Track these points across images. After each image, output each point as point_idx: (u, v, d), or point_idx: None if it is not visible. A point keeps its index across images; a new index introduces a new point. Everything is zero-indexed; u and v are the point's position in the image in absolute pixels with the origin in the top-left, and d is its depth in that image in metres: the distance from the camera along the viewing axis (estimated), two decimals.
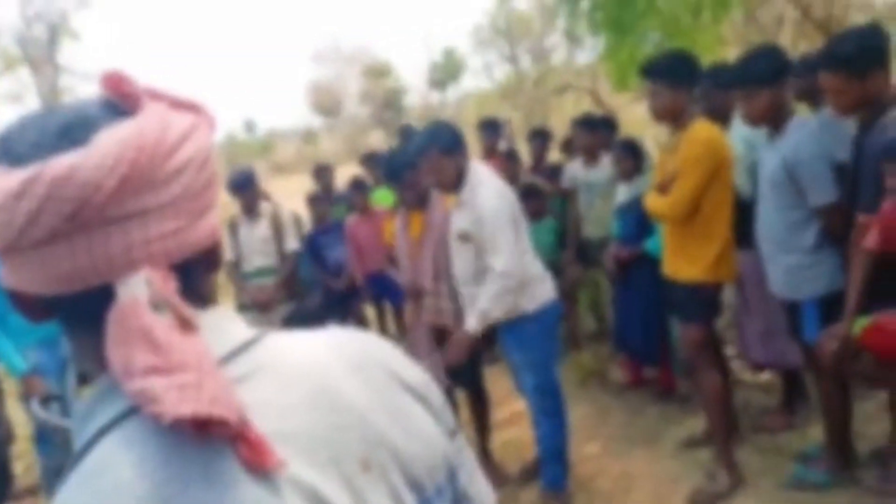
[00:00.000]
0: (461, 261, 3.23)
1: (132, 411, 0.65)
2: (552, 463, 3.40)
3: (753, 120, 3.01)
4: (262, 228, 4.78)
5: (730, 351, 4.17)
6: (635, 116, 12.64)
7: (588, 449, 3.92)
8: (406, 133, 6.57)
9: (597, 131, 4.93)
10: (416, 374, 0.83)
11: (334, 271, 5.35)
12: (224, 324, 0.73)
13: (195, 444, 0.63)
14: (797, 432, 3.58)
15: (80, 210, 0.62)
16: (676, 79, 3.06)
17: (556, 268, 4.13)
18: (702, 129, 3.06)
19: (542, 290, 3.25)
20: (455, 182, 3.20)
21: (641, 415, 4.22)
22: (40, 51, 18.00)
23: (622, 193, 4.26)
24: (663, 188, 3.17)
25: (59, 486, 0.66)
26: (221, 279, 5.28)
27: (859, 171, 2.77)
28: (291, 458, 0.66)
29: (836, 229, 2.86)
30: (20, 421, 4.42)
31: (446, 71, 40.04)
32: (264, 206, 4.85)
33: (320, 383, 0.73)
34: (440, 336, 3.60)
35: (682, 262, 3.18)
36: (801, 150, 2.84)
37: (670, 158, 3.18)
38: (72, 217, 0.62)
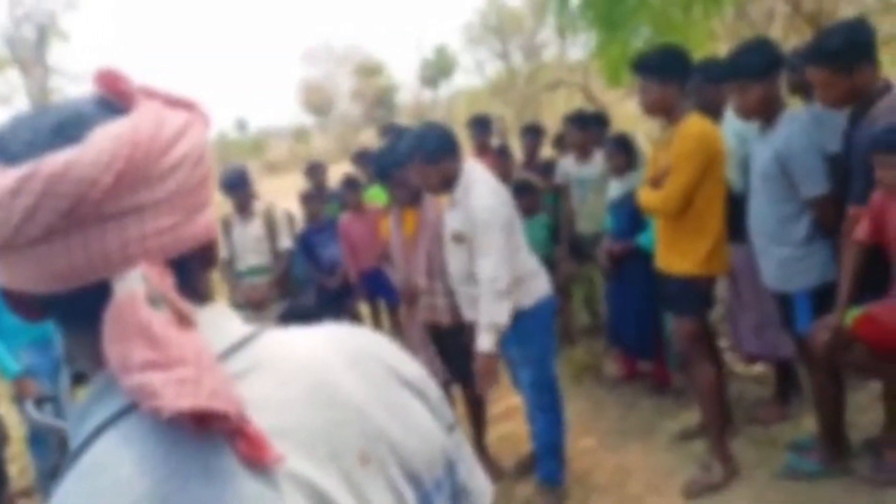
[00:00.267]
0: (456, 261, 3.22)
1: (129, 409, 0.65)
2: (548, 457, 3.41)
3: (746, 113, 3.02)
4: (256, 227, 4.78)
5: (723, 343, 4.19)
6: (627, 112, 12.67)
7: (583, 443, 3.93)
8: (389, 131, 6.58)
9: (589, 128, 4.94)
10: (414, 368, 0.83)
11: (328, 269, 5.35)
12: (221, 320, 0.73)
13: (193, 441, 0.63)
14: (790, 423, 3.61)
15: (76, 206, 0.62)
16: (667, 74, 3.07)
17: (549, 263, 4.14)
18: (694, 123, 3.07)
19: (538, 286, 3.26)
20: (441, 187, 3.20)
21: (636, 408, 4.24)
22: (29, 52, 17.93)
23: (614, 189, 4.28)
24: (656, 183, 3.18)
25: (55, 485, 0.66)
26: (215, 278, 5.28)
27: (849, 163, 2.79)
28: (290, 453, 0.66)
29: (827, 221, 2.88)
30: (14, 423, 4.40)
31: (438, 68, 40.03)
32: (257, 205, 4.85)
33: (319, 378, 0.73)
34: (435, 332, 3.61)
35: (676, 255, 3.20)
36: (792, 143, 2.86)
37: (663, 153, 3.19)
38: (68, 213, 0.62)
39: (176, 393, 0.60)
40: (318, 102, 42.86)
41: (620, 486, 3.49)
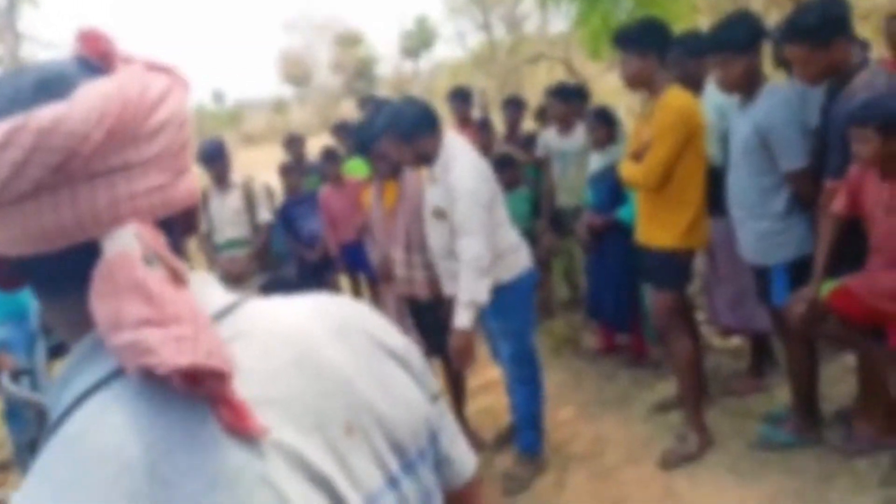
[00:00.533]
0: (436, 236, 3.21)
1: (112, 376, 0.64)
2: (528, 428, 3.44)
3: (728, 87, 3.03)
4: (234, 199, 4.73)
5: (700, 317, 4.24)
6: (609, 85, 12.65)
7: (562, 414, 3.98)
8: (368, 104, 6.53)
9: (570, 100, 4.93)
10: (398, 339, 0.83)
11: (308, 242, 5.32)
12: (204, 288, 0.72)
13: (179, 409, 0.63)
14: (765, 395, 3.67)
15: (66, 161, 0.61)
16: (646, 47, 3.06)
17: (530, 237, 4.15)
18: (675, 96, 3.07)
19: (519, 260, 3.26)
20: (417, 163, 3.17)
21: (614, 380, 4.29)
22: (0, 19, 17.47)
23: (595, 162, 4.28)
24: (637, 156, 3.19)
25: (35, 457, 0.65)
26: (192, 250, 5.24)
27: (827, 137, 2.81)
28: (275, 423, 0.66)
29: (806, 194, 2.91)
30: None
31: (419, 39, 39.65)
32: (235, 177, 4.80)
33: (304, 349, 0.72)
34: (413, 305, 3.62)
35: (656, 229, 3.21)
36: (773, 116, 2.87)
37: (645, 126, 3.19)
38: (58, 169, 0.60)
39: (174, 350, 0.59)
40: (297, 73, 42.33)
41: (598, 456, 3.54)
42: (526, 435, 3.46)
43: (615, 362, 4.49)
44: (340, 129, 6.44)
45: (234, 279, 4.62)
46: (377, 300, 4.80)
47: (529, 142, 5.47)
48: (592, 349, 4.74)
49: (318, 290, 0.90)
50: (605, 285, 4.31)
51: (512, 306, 3.23)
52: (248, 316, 0.73)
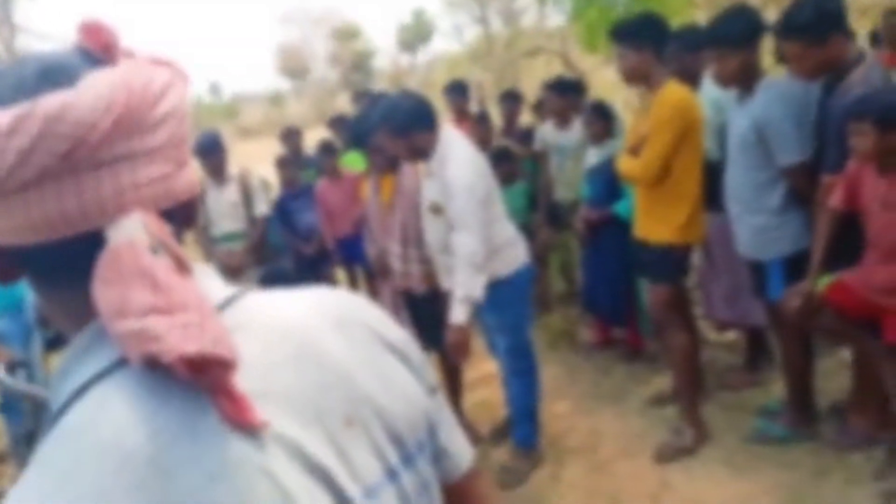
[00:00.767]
0: (433, 230, 3.21)
1: (112, 368, 0.64)
2: (524, 422, 3.45)
3: (724, 81, 3.03)
4: (231, 192, 4.72)
5: (695, 311, 4.25)
6: (606, 80, 12.63)
7: (558, 407, 3.99)
8: (362, 98, 6.52)
9: (567, 95, 4.92)
10: (397, 332, 0.83)
11: (305, 236, 5.31)
12: (205, 280, 0.72)
13: (180, 401, 0.63)
14: (760, 389, 3.68)
15: (73, 149, 0.61)
16: (643, 41, 3.06)
17: (527, 231, 4.15)
18: (672, 91, 3.07)
19: (516, 255, 3.26)
20: (412, 157, 3.17)
21: (609, 374, 4.30)
22: None
23: (593, 156, 4.28)
24: (635, 150, 3.19)
25: (32, 449, 0.65)
26: (189, 243, 5.23)
27: (824, 132, 2.81)
28: (276, 416, 0.66)
29: (803, 189, 2.91)
30: None
31: (416, 33, 39.55)
32: (232, 170, 4.79)
33: (303, 342, 0.73)
34: (409, 299, 3.62)
35: (654, 223, 3.22)
36: (770, 111, 2.87)
37: (642, 121, 3.19)
38: (64, 157, 0.60)
39: (181, 337, 0.59)
40: (294, 66, 42.22)
41: (593, 449, 3.55)
42: (522, 428, 3.47)
43: (611, 356, 4.50)
44: (337, 123, 6.43)
45: (231, 272, 4.62)
46: (374, 294, 4.81)
47: (527, 136, 5.46)
48: (588, 343, 4.75)
49: (315, 283, 0.91)
50: (601, 279, 4.31)
51: (509, 301, 3.24)
52: (248, 309, 0.73)
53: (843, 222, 2.75)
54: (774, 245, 3.02)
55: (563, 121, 4.87)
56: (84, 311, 0.65)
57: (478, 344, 3.56)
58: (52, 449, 0.63)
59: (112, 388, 0.64)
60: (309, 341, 0.73)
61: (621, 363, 4.39)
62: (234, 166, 4.91)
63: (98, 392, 0.64)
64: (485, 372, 4.32)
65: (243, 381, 0.64)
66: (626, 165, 3.24)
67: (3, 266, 0.69)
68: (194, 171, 0.73)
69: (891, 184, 2.58)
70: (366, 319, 0.81)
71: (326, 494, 0.68)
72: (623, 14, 6.28)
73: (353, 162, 5.34)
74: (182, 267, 0.65)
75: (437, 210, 3.12)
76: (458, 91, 5.81)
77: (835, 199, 2.72)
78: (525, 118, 6.32)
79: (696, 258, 3.97)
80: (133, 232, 0.63)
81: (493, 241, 3.11)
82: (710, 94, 3.46)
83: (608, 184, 4.05)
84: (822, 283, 2.75)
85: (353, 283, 5.76)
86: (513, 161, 4.89)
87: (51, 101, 0.60)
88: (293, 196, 5.37)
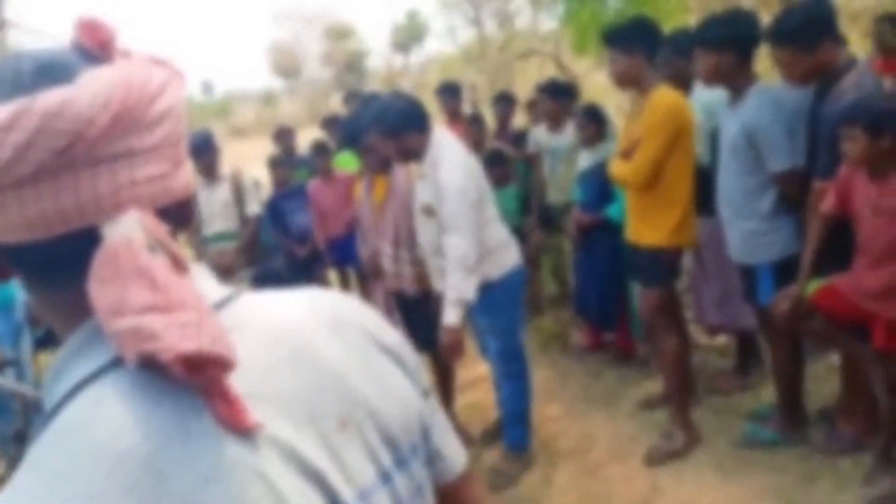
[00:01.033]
0: (426, 233, 3.21)
1: (107, 368, 0.64)
2: (515, 424, 3.46)
3: (704, 80, 3.09)
4: (223, 192, 4.71)
5: (686, 315, 4.26)
6: (598, 83, 12.65)
7: (549, 410, 3.99)
8: (353, 99, 6.52)
9: (560, 98, 4.93)
10: (391, 334, 0.83)
11: (298, 237, 5.30)
12: (200, 280, 0.72)
13: (175, 402, 0.62)
14: (750, 393, 3.70)
15: (71, 146, 0.60)
16: (634, 45, 3.08)
17: (520, 233, 4.15)
18: (664, 95, 3.08)
19: (508, 257, 3.27)
20: (403, 158, 3.18)
21: (601, 377, 4.30)
22: None
23: (585, 159, 4.28)
24: (627, 154, 3.20)
25: (20, 447, 0.65)
26: (180, 243, 5.20)
27: (816, 138, 2.83)
28: (270, 418, 0.66)
29: (793, 195, 2.92)
30: None
31: (410, 34, 39.55)
32: (224, 170, 4.78)
33: (298, 343, 0.73)
34: (401, 300, 3.61)
35: (645, 227, 3.23)
36: (760, 116, 2.88)
37: (634, 125, 3.20)
38: (62, 153, 0.60)
39: (178, 335, 0.59)
40: (287, 66, 42.13)
41: (584, 452, 3.56)
42: (513, 431, 3.47)
43: (602, 359, 4.51)
44: (330, 123, 6.42)
45: (222, 272, 4.60)
46: (366, 295, 4.80)
47: (520, 138, 5.47)
48: (580, 346, 4.75)
49: (307, 284, 0.91)
50: (592, 283, 4.32)
51: (501, 303, 3.24)
52: (243, 310, 0.73)
53: (834, 227, 2.76)
54: (764, 250, 3.03)
55: (555, 124, 4.88)
56: (78, 310, 0.65)
57: (469, 346, 3.56)
58: (45, 449, 0.62)
59: (106, 388, 0.63)
60: (304, 343, 0.73)
61: (613, 366, 4.39)
62: (226, 166, 4.90)
63: (92, 392, 0.63)
64: (476, 374, 4.32)
65: (238, 382, 0.63)
66: (618, 169, 3.25)
67: None
68: (188, 172, 0.73)
69: (881, 189, 2.60)
70: (360, 321, 0.80)
71: (320, 497, 0.67)
72: (614, 17, 6.30)
73: (346, 162, 5.33)
74: (179, 266, 0.65)
75: (429, 212, 3.12)
76: (450, 92, 5.81)
77: (826, 204, 2.74)
78: (518, 120, 6.32)
79: (687, 262, 3.99)
80: (131, 230, 0.62)
81: (486, 244, 3.12)
82: (701, 98, 3.48)
83: (600, 187, 4.06)
84: (812, 287, 2.77)
85: (344, 284, 5.75)
86: (505, 163, 4.90)
87: (50, 97, 0.60)
88: (285, 196, 5.36)
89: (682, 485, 3.12)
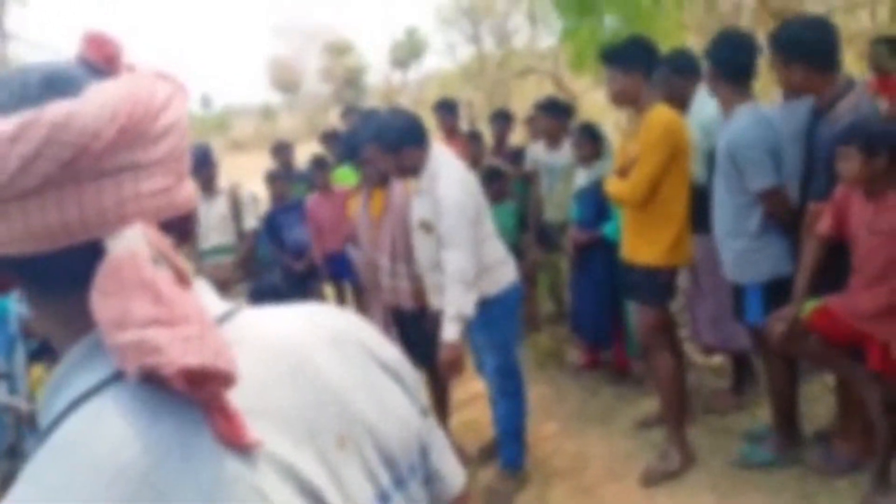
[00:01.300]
0: (423, 248, 3.21)
1: (106, 382, 0.64)
2: (510, 442, 3.44)
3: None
4: (220, 206, 4.71)
5: (682, 334, 4.26)
6: (596, 101, 12.72)
7: (545, 428, 3.98)
8: (351, 114, 6.57)
9: (557, 116, 4.95)
10: (391, 351, 0.83)
11: (293, 251, 5.30)
12: (202, 294, 0.72)
13: (173, 418, 0.62)
14: (746, 413, 3.69)
15: (77, 158, 0.60)
16: (632, 64, 3.10)
17: (517, 250, 4.16)
18: (660, 113, 3.09)
19: (505, 274, 3.27)
20: (402, 173, 3.19)
21: (597, 396, 4.29)
22: None
23: (581, 178, 4.30)
24: (624, 172, 3.21)
25: (13, 460, 0.64)
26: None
27: (812, 160, 2.84)
28: (269, 434, 0.66)
29: (777, 214, 2.94)
30: None
31: (409, 50, 39.77)
32: (222, 184, 4.78)
33: (298, 360, 0.72)
34: (398, 316, 3.61)
35: (641, 245, 3.23)
36: (740, 136, 2.91)
37: (631, 143, 3.22)
38: (67, 165, 0.60)
39: (182, 349, 0.59)
40: (286, 80, 42.31)
41: (580, 471, 3.54)
42: (509, 449, 3.45)
43: (598, 378, 4.50)
44: (329, 138, 6.44)
45: (218, 286, 4.57)
46: (362, 309, 4.80)
47: (517, 155, 5.49)
48: (576, 364, 4.74)
49: (303, 298, 0.90)
50: (589, 301, 4.32)
51: (497, 320, 3.24)
52: (243, 325, 0.73)
53: (829, 248, 2.77)
54: (753, 269, 3.03)
55: (553, 141, 4.90)
56: (79, 323, 0.65)
57: (466, 362, 3.55)
58: (43, 463, 0.62)
59: (107, 402, 0.63)
60: (303, 359, 0.73)
61: (609, 384, 4.38)
62: (224, 180, 4.90)
63: (92, 406, 0.63)
64: (472, 392, 4.30)
65: (238, 398, 0.63)
66: (615, 187, 3.26)
67: None
68: (191, 187, 0.74)
69: (877, 208, 2.61)
70: (360, 338, 0.80)
71: None
72: (612, 36, 6.35)
73: (344, 177, 5.34)
74: (183, 280, 0.65)
75: (427, 228, 3.13)
76: (447, 109, 5.83)
77: (822, 225, 2.75)
78: (516, 138, 6.35)
79: (682, 281, 3.99)
80: (135, 243, 0.62)
81: (483, 260, 3.12)
82: (699, 117, 3.49)
83: (597, 205, 4.07)
84: (807, 308, 2.77)
85: (341, 299, 5.74)
86: (503, 180, 4.91)
87: (57, 110, 0.60)
88: (282, 211, 5.36)
89: None
